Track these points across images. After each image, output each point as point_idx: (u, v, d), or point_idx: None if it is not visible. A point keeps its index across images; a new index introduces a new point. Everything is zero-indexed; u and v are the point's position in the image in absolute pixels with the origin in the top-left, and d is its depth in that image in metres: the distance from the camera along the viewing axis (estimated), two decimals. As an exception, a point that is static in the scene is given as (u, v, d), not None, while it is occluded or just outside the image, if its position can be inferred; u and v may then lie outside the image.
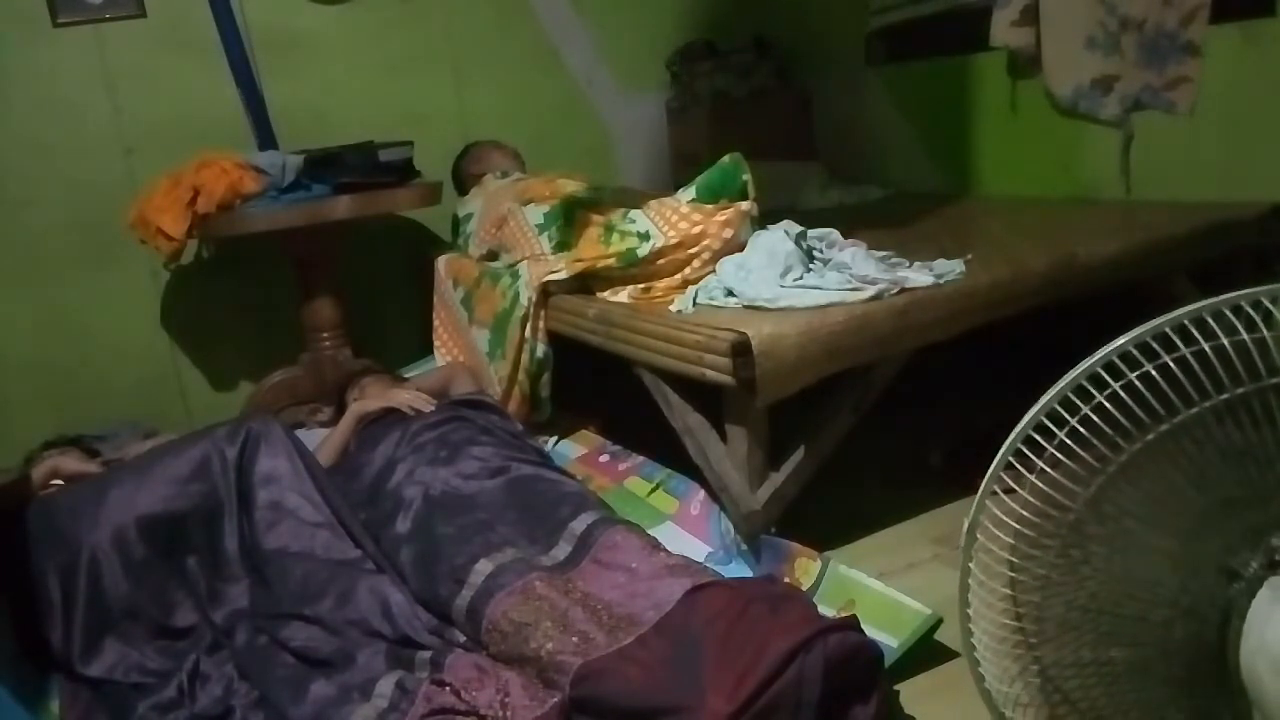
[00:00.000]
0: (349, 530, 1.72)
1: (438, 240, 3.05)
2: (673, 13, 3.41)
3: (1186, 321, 0.87)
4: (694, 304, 1.85)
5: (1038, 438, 0.91)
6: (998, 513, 0.94)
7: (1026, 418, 0.92)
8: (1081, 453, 0.89)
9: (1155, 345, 0.87)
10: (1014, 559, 0.94)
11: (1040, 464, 0.90)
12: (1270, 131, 2.12)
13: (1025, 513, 0.92)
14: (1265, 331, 0.86)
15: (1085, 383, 0.89)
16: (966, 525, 0.97)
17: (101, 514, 1.66)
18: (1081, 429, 0.89)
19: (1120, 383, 0.88)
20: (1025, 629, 0.96)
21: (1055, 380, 0.91)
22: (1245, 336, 0.85)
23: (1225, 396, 0.86)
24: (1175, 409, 0.87)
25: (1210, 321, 0.87)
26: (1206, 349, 0.86)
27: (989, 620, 0.98)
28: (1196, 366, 0.86)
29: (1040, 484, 0.91)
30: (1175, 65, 2.27)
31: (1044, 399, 0.91)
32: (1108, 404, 0.88)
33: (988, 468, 0.95)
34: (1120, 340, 0.89)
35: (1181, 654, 0.91)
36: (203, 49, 2.78)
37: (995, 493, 0.95)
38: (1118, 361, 0.88)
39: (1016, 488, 0.92)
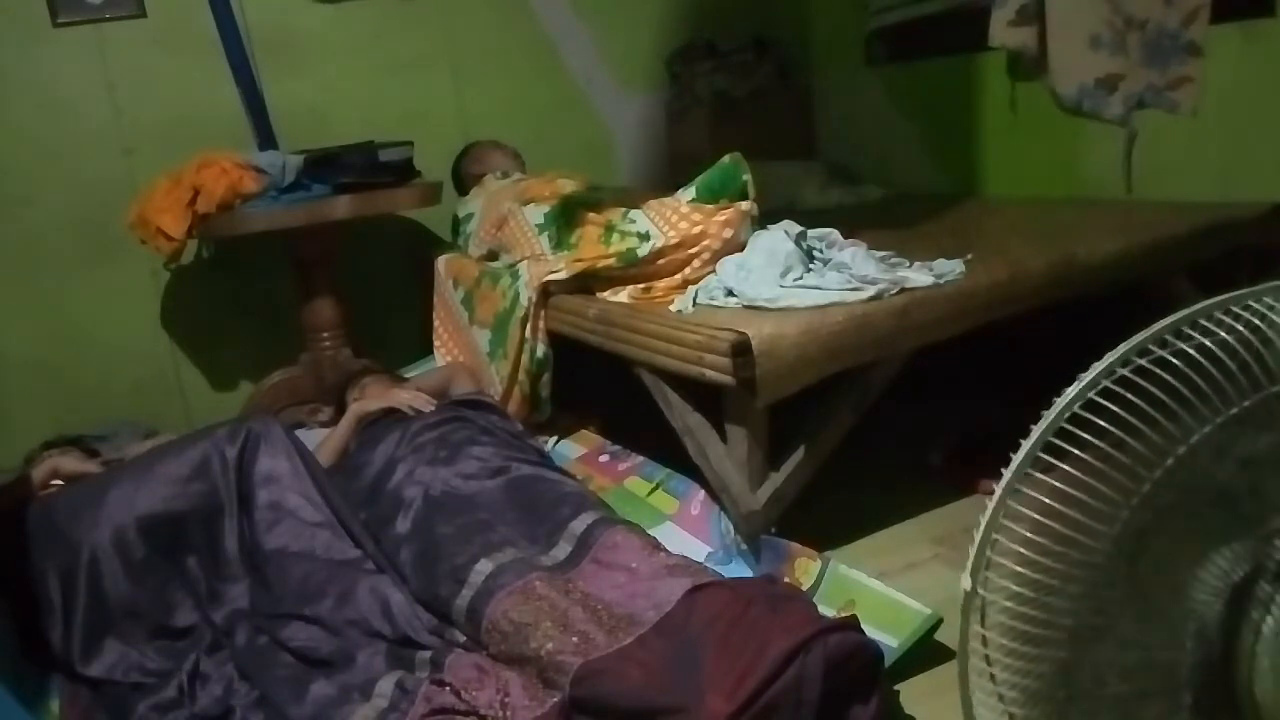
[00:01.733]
0: (349, 530, 1.72)
1: (438, 240, 3.05)
2: (673, 13, 3.40)
3: (1183, 328, 0.84)
4: (694, 304, 1.85)
5: (1035, 471, 0.85)
6: (1006, 561, 0.86)
7: (1014, 463, 0.86)
8: (1098, 484, 0.83)
9: (1140, 360, 0.83)
10: (1037, 612, 0.85)
11: (1059, 506, 0.83)
12: (1270, 131, 2.12)
13: (1041, 558, 0.83)
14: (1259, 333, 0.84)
15: (1077, 409, 0.84)
16: (968, 584, 0.87)
17: (101, 514, 1.66)
18: (1072, 446, 0.83)
19: (1097, 388, 0.83)
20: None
21: (1055, 381, 0.88)
22: (1253, 333, 0.83)
23: (1252, 401, 0.82)
24: (1188, 423, 0.82)
25: (1223, 318, 0.84)
26: (1199, 349, 0.83)
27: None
28: (1197, 378, 0.82)
29: (1059, 526, 0.83)
30: (1177, 65, 2.27)
31: (1030, 440, 0.85)
32: (1106, 422, 0.83)
33: (987, 468, 0.92)
34: (1123, 347, 0.84)
35: (1192, 681, 0.87)
36: (203, 49, 2.78)
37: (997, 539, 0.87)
38: (1111, 386, 0.83)
39: (1017, 527, 0.85)
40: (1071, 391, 0.84)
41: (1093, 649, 0.86)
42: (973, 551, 0.87)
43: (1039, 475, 0.85)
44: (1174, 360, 0.83)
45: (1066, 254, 1.88)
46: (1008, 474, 0.86)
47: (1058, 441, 0.84)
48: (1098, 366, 0.85)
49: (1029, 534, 0.84)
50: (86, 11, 2.68)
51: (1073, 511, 0.83)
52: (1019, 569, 0.84)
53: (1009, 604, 0.85)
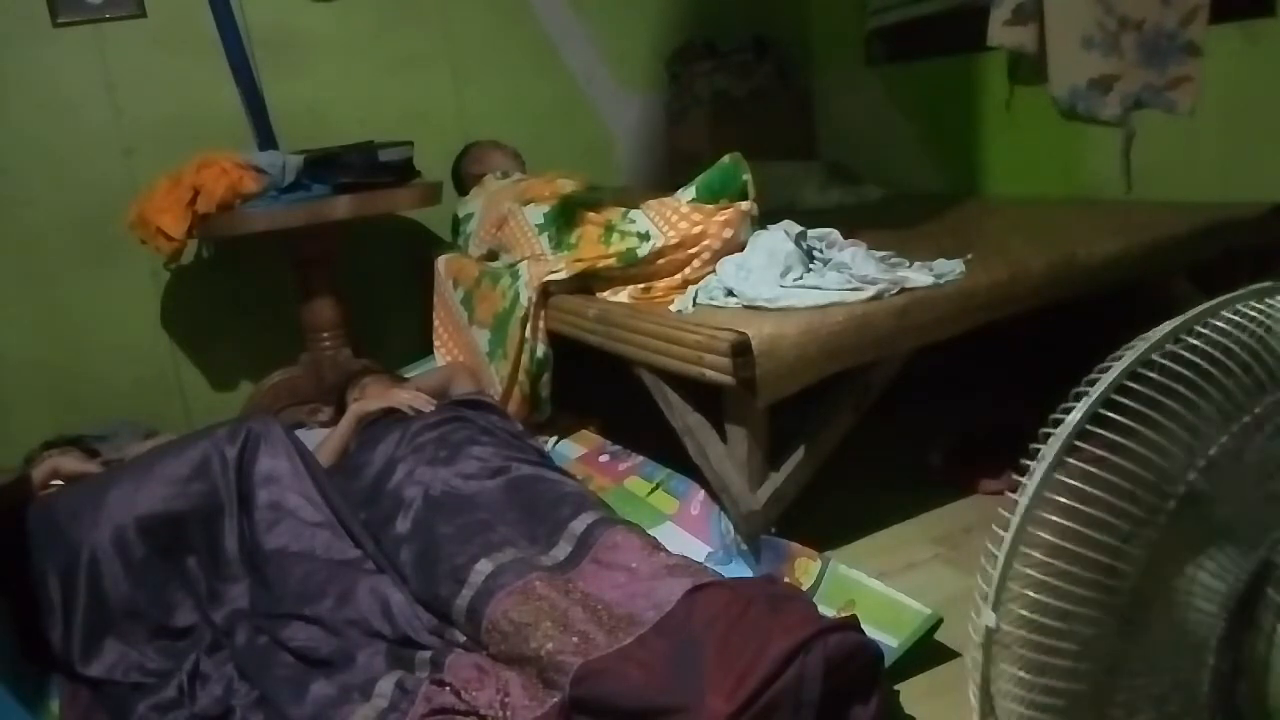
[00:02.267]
0: (349, 530, 1.72)
1: (438, 240, 3.05)
2: (673, 13, 3.40)
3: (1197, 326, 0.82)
4: (694, 304, 1.85)
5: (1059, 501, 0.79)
6: (1025, 590, 0.79)
7: (1028, 492, 0.79)
8: (1124, 504, 0.77)
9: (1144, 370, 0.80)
10: (1064, 643, 0.79)
11: (1084, 529, 0.77)
12: (1270, 131, 2.12)
13: (1069, 586, 0.77)
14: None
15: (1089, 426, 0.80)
16: (991, 620, 0.81)
17: (101, 514, 1.66)
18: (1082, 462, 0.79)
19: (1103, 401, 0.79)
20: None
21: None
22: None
23: (1264, 406, 0.78)
24: (1205, 432, 0.78)
25: (1219, 323, 0.82)
26: (1203, 356, 0.80)
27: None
28: (1206, 385, 0.79)
29: (1089, 552, 0.77)
30: (1176, 65, 2.27)
31: (1040, 468, 0.79)
32: (1117, 435, 0.78)
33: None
34: (1128, 359, 0.80)
35: (1210, 698, 0.83)
36: (203, 49, 2.77)
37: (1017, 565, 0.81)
38: (1117, 398, 0.79)
39: (1036, 553, 0.79)
40: (1077, 414, 0.80)
41: (1120, 678, 0.82)
42: (993, 586, 0.81)
43: (1054, 497, 0.80)
44: (1179, 368, 0.80)
45: (1066, 254, 1.88)
46: (1021, 503, 0.80)
47: (1071, 461, 0.80)
48: (1105, 381, 0.80)
49: (1049, 560, 0.78)
50: (86, 11, 2.67)
51: (1099, 534, 0.78)
52: (1040, 597, 0.79)
53: (1025, 633, 0.80)
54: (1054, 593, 0.78)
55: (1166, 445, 0.80)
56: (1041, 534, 0.79)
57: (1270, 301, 0.86)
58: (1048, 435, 0.82)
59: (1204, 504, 0.82)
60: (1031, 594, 0.79)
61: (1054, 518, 0.79)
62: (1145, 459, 0.79)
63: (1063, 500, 0.79)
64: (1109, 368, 0.82)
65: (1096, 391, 0.81)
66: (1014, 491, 0.83)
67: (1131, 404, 0.80)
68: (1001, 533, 0.81)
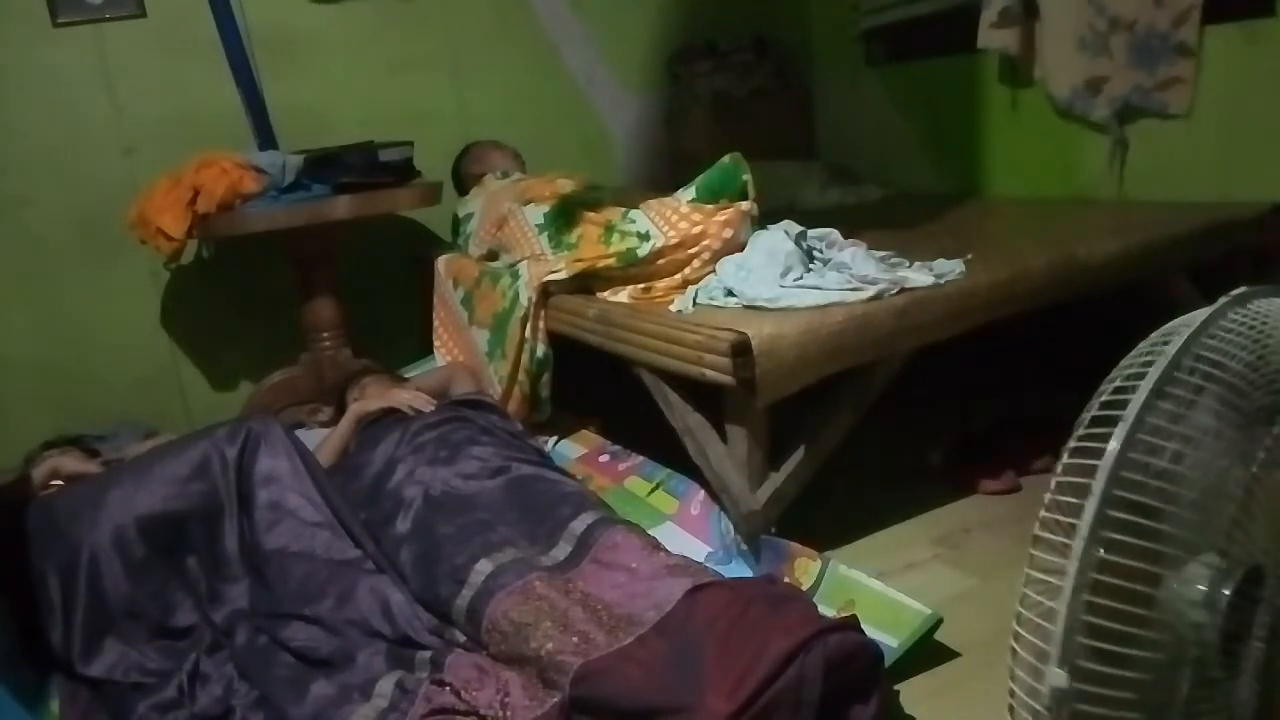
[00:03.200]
0: (349, 530, 1.72)
1: (438, 240, 3.05)
2: (673, 12, 3.40)
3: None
4: (694, 304, 1.85)
5: (1113, 533, 0.73)
6: (1086, 640, 0.72)
7: (1085, 526, 0.72)
8: (1190, 535, 0.72)
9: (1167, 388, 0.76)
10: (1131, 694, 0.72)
11: (1148, 568, 0.71)
12: (1270, 131, 2.12)
13: (1135, 629, 0.72)
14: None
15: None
16: (1062, 680, 0.72)
17: (101, 514, 1.66)
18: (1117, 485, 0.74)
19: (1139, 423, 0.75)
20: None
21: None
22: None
23: None
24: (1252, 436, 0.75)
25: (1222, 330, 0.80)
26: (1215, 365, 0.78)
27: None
28: (1232, 395, 0.77)
29: (1146, 589, 0.72)
30: (1167, 66, 2.27)
31: (1089, 516, 0.73)
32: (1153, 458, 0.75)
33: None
34: (1151, 378, 0.75)
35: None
36: (203, 49, 2.77)
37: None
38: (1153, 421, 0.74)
39: (1092, 597, 0.71)
40: (1116, 442, 0.74)
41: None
42: (1057, 642, 0.72)
43: (1107, 534, 0.73)
44: (1203, 383, 0.77)
45: (1066, 254, 1.88)
46: (1076, 548, 0.73)
47: (1119, 493, 0.73)
48: (1134, 404, 0.75)
49: (1106, 601, 0.71)
50: (86, 11, 2.67)
51: (1157, 568, 0.72)
52: (1100, 644, 0.71)
53: (1088, 687, 0.72)
54: (1116, 638, 0.72)
55: (1221, 463, 0.76)
56: (1099, 576, 0.72)
57: (1251, 307, 0.84)
58: (1074, 465, 0.76)
59: (1250, 520, 0.78)
60: (1093, 642, 0.72)
61: (1112, 557, 0.72)
62: (1194, 481, 0.75)
63: (1116, 537, 0.72)
64: (1129, 386, 0.77)
65: (1130, 415, 0.75)
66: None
67: (1163, 423, 0.75)
68: (1054, 580, 0.74)
